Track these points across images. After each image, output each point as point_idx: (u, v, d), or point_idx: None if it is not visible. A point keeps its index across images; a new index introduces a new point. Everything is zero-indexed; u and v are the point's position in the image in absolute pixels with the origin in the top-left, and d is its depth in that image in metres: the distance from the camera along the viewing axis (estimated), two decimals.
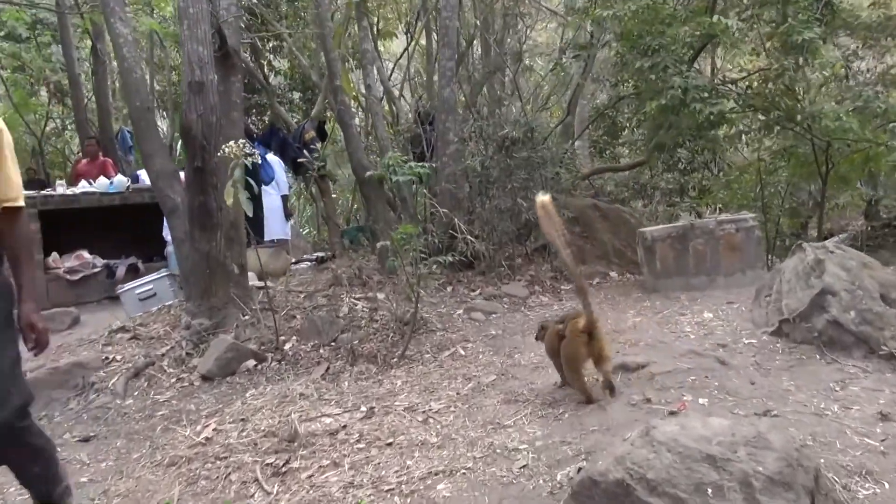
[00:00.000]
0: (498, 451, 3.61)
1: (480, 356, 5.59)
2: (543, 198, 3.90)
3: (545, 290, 7.77)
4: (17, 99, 18.11)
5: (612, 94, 13.67)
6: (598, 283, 8.14)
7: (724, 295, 6.68)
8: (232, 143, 4.87)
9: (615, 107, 12.70)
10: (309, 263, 9.19)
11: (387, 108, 12.45)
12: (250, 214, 4.76)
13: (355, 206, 14.56)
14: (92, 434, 4.92)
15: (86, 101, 15.63)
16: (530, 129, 7.73)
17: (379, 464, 3.69)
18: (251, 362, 5.93)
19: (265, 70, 14.30)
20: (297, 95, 14.94)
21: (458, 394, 4.72)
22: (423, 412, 4.44)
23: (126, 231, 10.92)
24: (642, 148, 13.22)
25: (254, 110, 14.46)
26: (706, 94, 7.88)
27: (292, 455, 3.95)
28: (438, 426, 4.14)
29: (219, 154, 4.92)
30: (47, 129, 19.29)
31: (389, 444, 3.93)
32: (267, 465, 3.89)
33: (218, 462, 4.05)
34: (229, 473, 3.87)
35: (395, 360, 5.75)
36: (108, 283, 9.59)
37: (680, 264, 7.10)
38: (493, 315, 6.86)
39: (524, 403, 4.28)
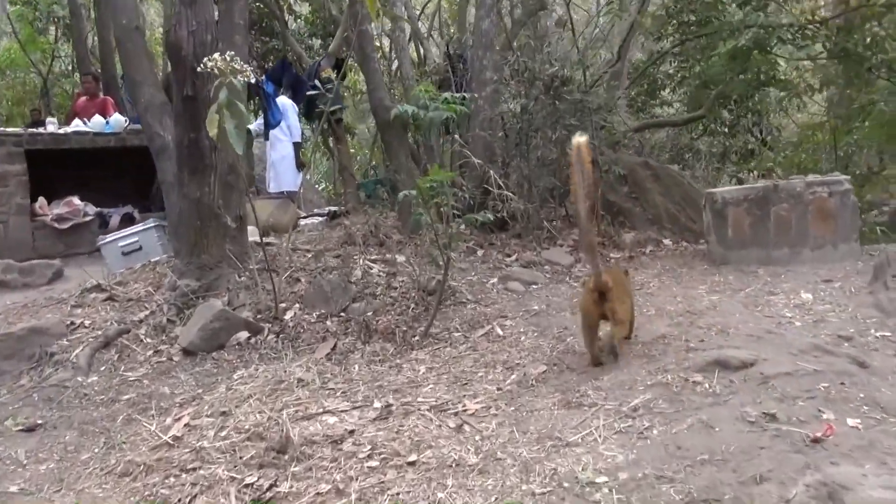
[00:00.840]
0: (565, 483, 2.57)
1: (523, 338, 4.53)
2: (580, 139, 3.75)
3: (590, 257, 6.65)
4: (24, 36, 17.06)
5: (654, 48, 12.37)
6: (651, 252, 7.02)
7: (812, 271, 5.55)
8: (217, 55, 3.77)
9: (657, 63, 11.39)
10: (320, 219, 8.14)
11: (413, 52, 11.26)
12: (240, 151, 3.68)
13: (373, 161, 13.47)
14: (39, 422, 3.94)
15: (88, 34, 14.51)
16: (584, 67, 6.56)
17: (398, 494, 2.66)
18: (243, 334, 4.92)
19: (285, 14, 13.09)
20: (317, 42, 13.72)
21: (499, 389, 3.67)
22: (456, 414, 3.41)
23: (124, 177, 9.91)
24: (684, 107, 11.97)
25: (270, 56, 13.28)
26: (792, 35, 6.64)
27: (281, 473, 2.94)
28: (477, 437, 3.10)
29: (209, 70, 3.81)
30: (56, 68, 18.27)
31: (412, 464, 2.89)
32: (246, 486, 2.88)
33: (184, 476, 3.04)
34: (195, 496, 2.86)
35: (417, 338, 4.71)
36: (101, 233, 8.59)
37: (758, 233, 5.96)
38: (534, 286, 5.78)
39: (591, 409, 3.23)
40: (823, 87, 8.59)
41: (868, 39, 7.11)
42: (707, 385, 3.25)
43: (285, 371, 4.24)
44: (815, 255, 5.84)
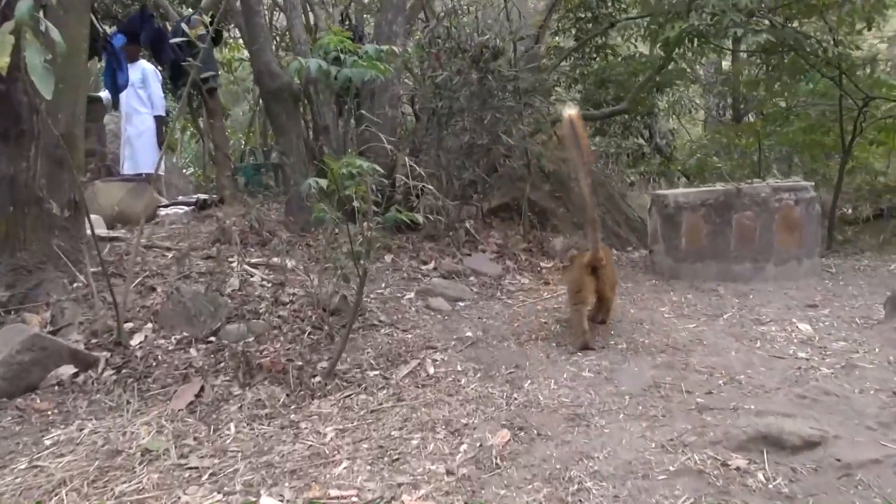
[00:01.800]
0: None
1: (463, 380, 3.37)
2: (572, 111, 3.71)
3: (521, 266, 5.62)
4: None
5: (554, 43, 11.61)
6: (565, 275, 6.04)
7: (780, 290, 4.77)
8: None
9: (562, 58, 10.56)
10: (185, 209, 6.62)
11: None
12: (48, 95, 2.29)
13: (248, 145, 11.86)
14: None
15: None
16: (517, 39, 5.49)
17: None
18: (67, 370, 3.48)
19: None
20: None
21: (449, 473, 2.50)
22: None
23: None
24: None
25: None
26: (744, 19, 5.87)
27: None
28: None
29: None
30: None
31: None
32: None
33: None
34: None
35: (319, 379, 3.45)
36: None
37: (717, 243, 5.12)
38: (461, 303, 4.64)
39: None
40: (750, 86, 7.98)
41: (815, 34, 6.53)
42: (761, 476, 2.24)
43: (125, 433, 2.89)
44: (779, 270, 5.06)
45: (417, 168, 5.06)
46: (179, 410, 3.18)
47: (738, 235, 5.05)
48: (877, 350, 3.32)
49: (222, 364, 3.59)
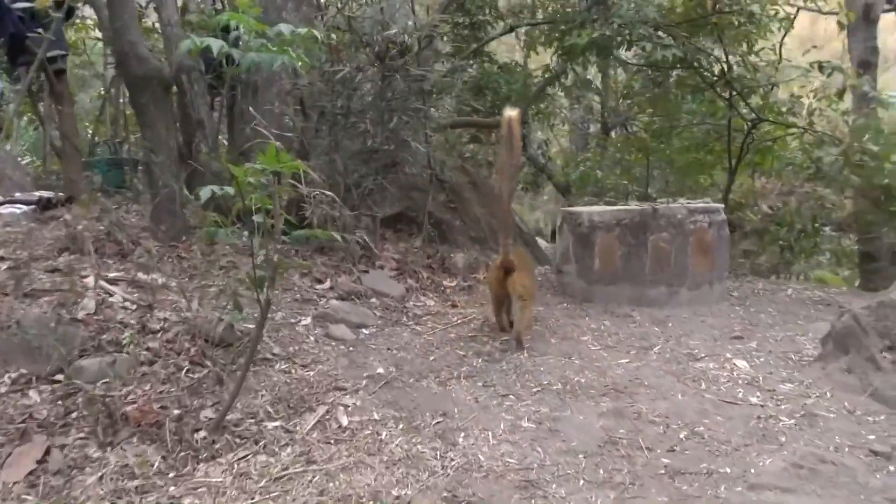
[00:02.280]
0: None
1: (384, 434, 2.83)
2: (512, 112, 3.79)
3: (423, 286, 5.11)
4: None
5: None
6: (484, 279, 5.64)
7: (695, 317, 4.60)
8: None
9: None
10: (23, 208, 5.57)
11: None
12: None
13: (96, 137, 10.58)
14: None
15: None
16: (424, 36, 4.99)
17: None
18: None
19: None
20: None
21: None
22: None
23: None
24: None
25: None
26: (649, 34, 5.71)
27: None
28: None
29: None
30: None
31: None
32: None
33: None
34: None
35: (205, 434, 2.79)
36: None
37: (631, 266, 4.87)
38: (365, 331, 4.08)
39: None
40: (639, 101, 7.94)
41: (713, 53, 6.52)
42: None
43: None
44: (692, 295, 4.89)
45: (312, 173, 4.43)
46: (14, 484, 2.43)
47: (654, 258, 4.82)
48: (828, 394, 3.11)
49: (75, 414, 2.83)
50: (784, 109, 7.15)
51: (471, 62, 11.40)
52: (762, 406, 2.99)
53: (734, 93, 6.73)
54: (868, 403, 2.96)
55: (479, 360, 3.65)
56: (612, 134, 14.36)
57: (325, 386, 3.23)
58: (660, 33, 6.06)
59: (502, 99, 9.87)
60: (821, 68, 6.40)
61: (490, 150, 14.75)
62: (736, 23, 6.38)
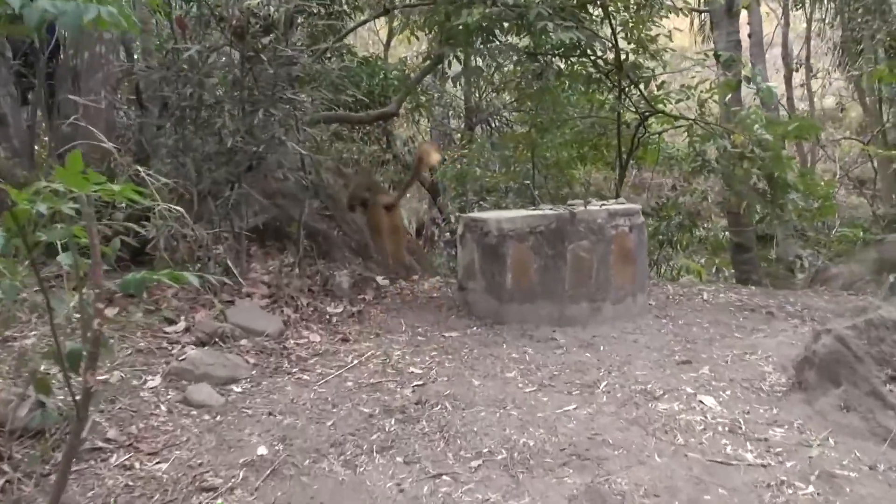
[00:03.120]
0: None
1: None
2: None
3: (304, 315, 4.20)
4: None
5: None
6: (377, 301, 4.79)
7: (624, 337, 4.03)
8: None
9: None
10: None
11: None
12: None
13: None
14: None
15: None
16: (299, 9, 4.08)
17: None
18: None
19: None
20: None
21: None
22: None
23: None
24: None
25: None
26: (549, 14, 5.08)
27: None
28: None
29: None
30: None
31: None
32: None
33: None
34: None
35: None
36: None
37: (549, 281, 4.21)
38: (236, 388, 3.13)
39: None
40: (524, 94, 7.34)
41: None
42: None
43: None
44: (615, 310, 4.31)
45: (158, 179, 3.41)
46: None
47: (574, 270, 4.19)
48: (831, 441, 2.56)
49: None
50: (674, 101, 6.80)
51: (329, 56, 10.58)
52: (764, 466, 2.38)
53: (629, 83, 6.28)
54: (891, 455, 2.42)
55: (392, 422, 2.82)
56: (477, 130, 13.88)
57: (184, 486, 2.29)
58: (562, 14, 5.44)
59: (364, 93, 9.15)
60: (717, 58, 6.07)
61: (356, 147, 13.86)
62: (630, 5, 5.92)
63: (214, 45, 3.81)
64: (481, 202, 9.36)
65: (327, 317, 4.24)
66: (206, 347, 3.42)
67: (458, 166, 9.81)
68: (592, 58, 6.18)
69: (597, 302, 4.24)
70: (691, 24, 12.95)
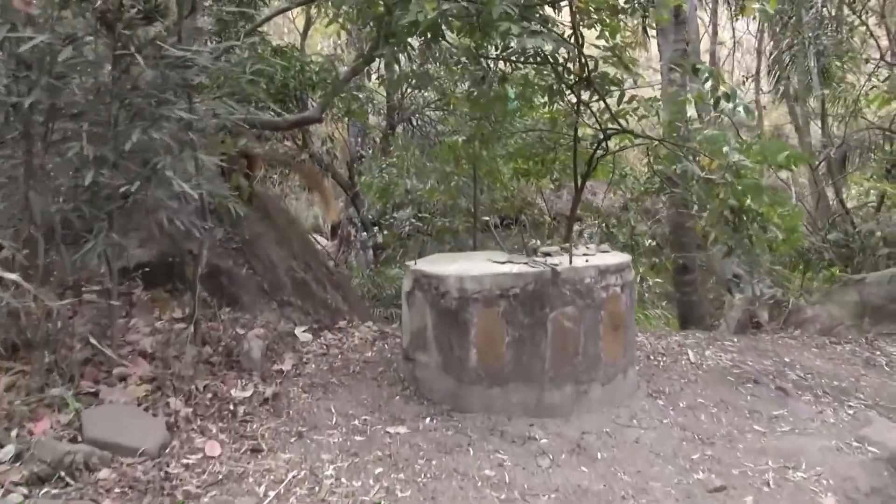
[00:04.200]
0: None
1: None
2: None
3: (199, 409, 3.09)
4: None
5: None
6: (297, 370, 3.73)
7: (619, 432, 3.15)
8: None
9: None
10: None
11: None
12: None
13: None
14: None
15: None
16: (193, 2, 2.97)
17: None
18: None
19: None
20: None
21: None
22: None
23: None
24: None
25: None
26: (514, 12, 4.14)
27: None
28: None
29: None
30: None
31: None
32: None
33: None
34: None
35: None
36: None
37: (524, 358, 3.27)
38: None
39: None
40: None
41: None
42: None
43: None
44: (605, 392, 3.42)
45: None
46: None
47: (557, 344, 3.27)
48: None
49: None
50: (638, 118, 6.01)
51: (242, 44, 9.36)
52: None
53: (596, 96, 5.41)
54: None
55: None
56: (398, 130, 12.94)
57: None
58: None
59: (278, 88, 8.06)
60: (695, 71, 5.29)
61: (269, 147, 12.57)
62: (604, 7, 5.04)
63: (73, 35, 2.65)
64: (414, 221, 8.38)
65: (231, 407, 3.16)
66: (46, 487, 2.30)
67: (385, 176, 8.78)
68: (557, 67, 5.27)
69: (583, 384, 3.33)
70: (635, 31, 12.32)
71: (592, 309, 3.32)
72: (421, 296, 3.43)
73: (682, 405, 3.50)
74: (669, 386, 3.75)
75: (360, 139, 12.88)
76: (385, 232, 9.79)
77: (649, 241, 8.80)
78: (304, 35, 14.46)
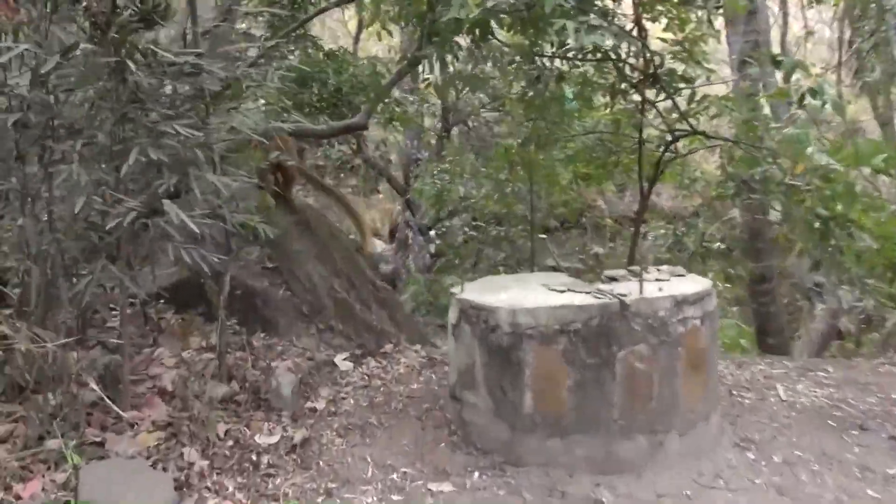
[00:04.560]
0: None
1: None
2: None
3: (219, 460, 2.74)
4: None
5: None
6: (327, 412, 3.35)
7: (706, 495, 2.64)
8: None
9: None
10: None
11: None
12: None
13: None
14: None
15: None
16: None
17: None
18: None
19: None
20: None
21: None
22: None
23: None
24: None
25: None
26: (572, 6, 3.68)
27: None
28: None
29: None
30: None
31: None
32: None
33: None
34: None
35: None
36: None
37: (589, 405, 2.81)
38: None
39: None
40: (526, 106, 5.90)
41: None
42: None
43: None
44: (684, 444, 2.92)
45: None
46: None
47: (627, 388, 2.80)
48: None
49: None
50: (710, 117, 5.47)
51: (292, 49, 9.21)
52: None
53: (664, 95, 4.89)
54: None
55: None
56: (454, 132, 12.60)
57: None
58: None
59: (331, 92, 7.81)
60: (776, 63, 4.71)
61: (321, 152, 12.40)
62: None
63: (62, 45, 2.32)
64: (468, 229, 7.98)
65: (254, 457, 2.79)
66: None
67: (437, 183, 8.39)
68: (619, 63, 4.77)
69: (658, 434, 2.85)
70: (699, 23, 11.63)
71: (668, 346, 2.84)
72: (468, 329, 3.01)
73: (776, 459, 2.97)
74: (759, 433, 3.22)
75: (416, 141, 12.58)
76: (438, 241, 9.42)
77: (718, 244, 8.21)
78: (357, 38, 14.21)
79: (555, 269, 6.68)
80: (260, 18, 9.14)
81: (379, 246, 13.92)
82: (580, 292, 2.97)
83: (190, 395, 2.99)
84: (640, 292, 2.87)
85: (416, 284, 9.55)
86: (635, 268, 3.37)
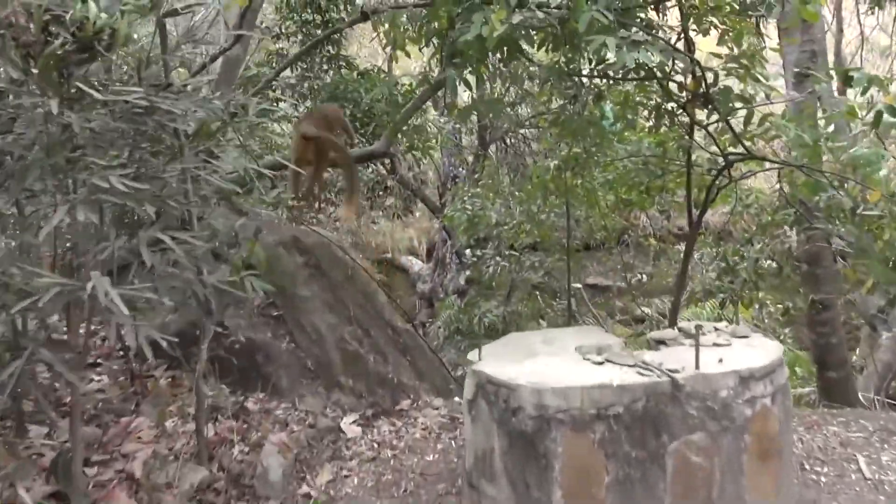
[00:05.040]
0: None
1: None
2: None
3: None
4: None
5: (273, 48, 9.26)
6: (325, 492, 2.88)
7: None
8: None
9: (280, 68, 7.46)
10: None
11: None
12: None
13: None
14: None
15: None
16: (176, 11, 2.20)
17: None
18: None
19: None
20: None
21: None
22: None
23: None
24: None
25: None
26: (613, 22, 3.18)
27: None
28: None
29: None
30: None
31: None
32: None
33: None
34: None
35: None
36: None
37: (631, 502, 2.28)
38: None
39: None
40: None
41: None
42: None
43: None
44: None
45: None
46: None
47: (681, 487, 2.27)
48: None
49: None
50: (767, 140, 4.90)
51: (325, 68, 8.99)
52: None
53: (714, 118, 4.34)
54: None
55: None
56: (491, 149, 12.22)
57: None
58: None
59: (364, 112, 7.48)
60: (847, 79, 4.13)
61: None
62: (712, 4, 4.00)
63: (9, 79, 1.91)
64: (499, 259, 7.48)
65: None
66: None
67: (468, 208, 7.92)
68: (664, 82, 4.24)
69: None
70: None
71: (731, 434, 2.31)
72: (486, 408, 2.51)
73: None
74: None
75: (454, 159, 12.23)
76: (468, 271, 8.99)
77: (769, 261, 7.57)
78: (391, 57, 13.91)
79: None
80: (293, 40, 8.94)
81: (416, 264, 13.55)
82: (621, 364, 2.45)
83: (161, 485, 2.55)
84: (697, 366, 2.34)
85: (450, 309, 9.19)
86: (687, 325, 2.82)
